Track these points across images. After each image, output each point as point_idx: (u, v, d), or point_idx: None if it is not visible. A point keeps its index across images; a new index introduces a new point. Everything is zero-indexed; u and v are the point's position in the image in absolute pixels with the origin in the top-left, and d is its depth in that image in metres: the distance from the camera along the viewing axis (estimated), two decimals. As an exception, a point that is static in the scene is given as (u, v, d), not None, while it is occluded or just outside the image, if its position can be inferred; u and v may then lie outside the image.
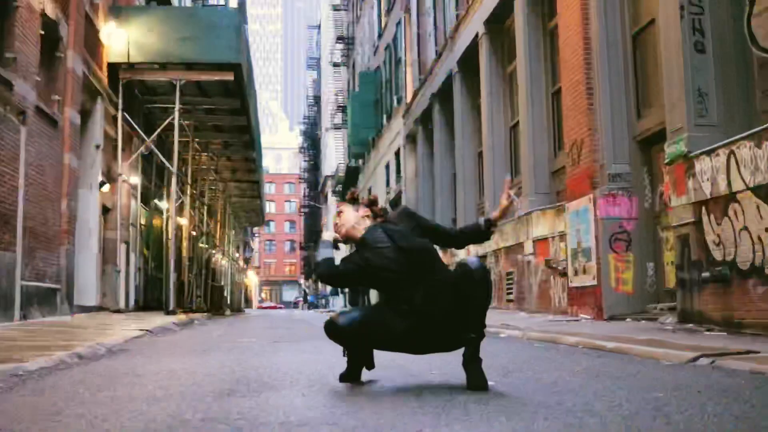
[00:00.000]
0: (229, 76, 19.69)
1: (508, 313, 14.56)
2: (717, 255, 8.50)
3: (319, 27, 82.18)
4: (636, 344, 6.20)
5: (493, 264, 17.15)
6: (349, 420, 3.05)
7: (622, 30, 11.89)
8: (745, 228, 7.99)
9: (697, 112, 9.22)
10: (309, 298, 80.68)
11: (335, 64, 54.64)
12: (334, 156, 60.14)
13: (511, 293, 15.94)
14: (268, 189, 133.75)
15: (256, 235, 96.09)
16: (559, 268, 12.98)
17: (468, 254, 21.31)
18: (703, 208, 8.76)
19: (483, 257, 17.92)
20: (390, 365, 5.15)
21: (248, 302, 79.03)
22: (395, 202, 32.40)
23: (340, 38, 50.95)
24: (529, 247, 14.69)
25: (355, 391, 4.10)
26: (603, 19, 11.85)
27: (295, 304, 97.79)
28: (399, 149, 30.77)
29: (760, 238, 7.76)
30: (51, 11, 14.37)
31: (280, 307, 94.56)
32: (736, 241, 8.15)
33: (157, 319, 14.74)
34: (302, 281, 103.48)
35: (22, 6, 12.88)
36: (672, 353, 5.45)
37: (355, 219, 4.44)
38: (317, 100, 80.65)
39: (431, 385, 4.31)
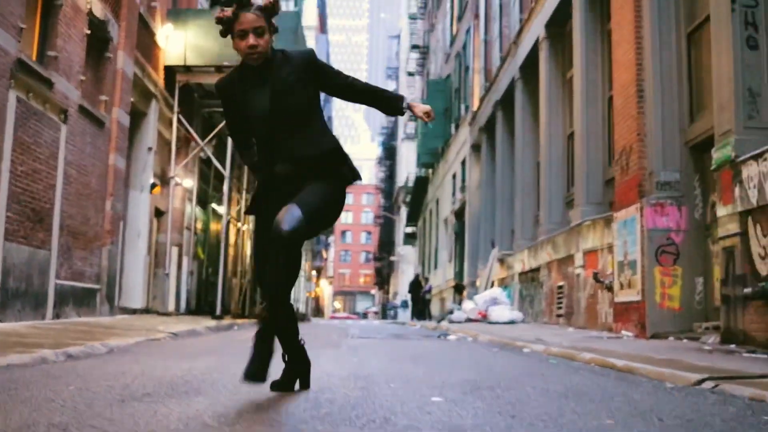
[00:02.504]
0: (286, 80, 19.46)
1: (554, 328, 13.88)
2: (763, 269, 7.77)
3: (399, 37, 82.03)
4: (650, 364, 5.57)
5: (546, 277, 16.45)
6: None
7: (677, 28, 11.15)
8: (792, 240, 7.26)
9: (747, 114, 8.49)
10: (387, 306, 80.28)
11: (410, 74, 54.28)
12: (405, 166, 59.74)
13: (561, 308, 15.22)
14: (346, 199, 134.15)
15: (330, 245, 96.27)
16: (606, 282, 12.26)
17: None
18: (750, 218, 8.03)
19: (536, 270, 17.26)
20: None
21: (320, 312, 79.10)
22: (460, 213, 31.82)
23: (415, 47, 50.59)
24: (579, 260, 13.99)
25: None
26: (656, 16, 11.14)
27: (365, 315, 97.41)
28: (465, 159, 30.19)
29: (807, 252, 7.02)
30: (99, 11, 14.31)
31: (353, 317, 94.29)
32: (782, 255, 7.42)
33: (196, 323, 14.52)
34: (374, 291, 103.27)
35: (66, 5, 12.83)
36: (679, 375, 4.83)
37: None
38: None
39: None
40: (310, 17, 61.45)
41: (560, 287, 15.37)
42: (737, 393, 4.08)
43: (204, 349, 8.15)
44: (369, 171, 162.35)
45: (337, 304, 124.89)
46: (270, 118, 3.78)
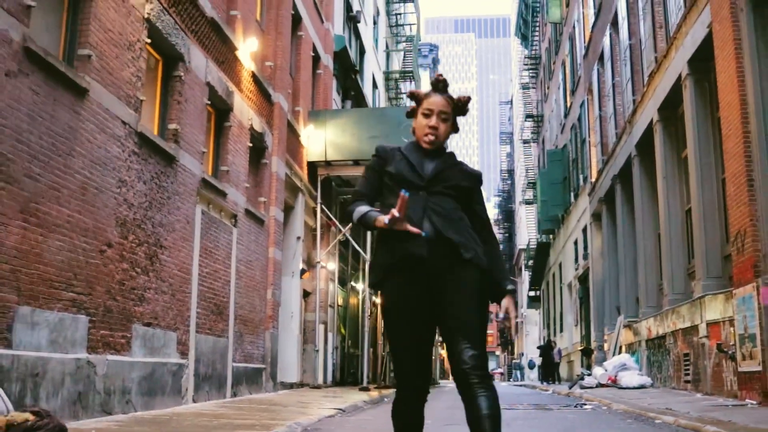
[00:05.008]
0: (417, 168, 21.24)
1: (682, 395, 14.90)
2: None
3: (510, 102, 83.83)
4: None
5: (672, 344, 17.44)
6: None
7: (781, 123, 12.32)
8: None
9: None
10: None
11: (525, 141, 55.78)
12: (525, 230, 60.88)
13: (688, 374, 16.20)
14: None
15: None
16: (729, 352, 13.29)
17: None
18: None
19: (662, 337, 18.25)
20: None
21: (445, 373, 79.95)
22: (583, 278, 32.74)
23: (529, 116, 52.08)
24: (702, 330, 15.01)
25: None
26: (761, 112, 12.35)
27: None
28: (586, 226, 31.28)
29: None
30: (258, 125, 16.46)
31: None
32: None
33: (350, 396, 16.17)
34: (498, 353, 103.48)
35: (234, 125, 14.98)
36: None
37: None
38: (510, 173, 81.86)
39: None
40: (425, 88, 63.92)
41: (686, 355, 16.36)
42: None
43: (382, 426, 9.70)
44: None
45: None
46: (431, 189, 3.77)
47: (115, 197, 10.00)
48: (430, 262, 3.66)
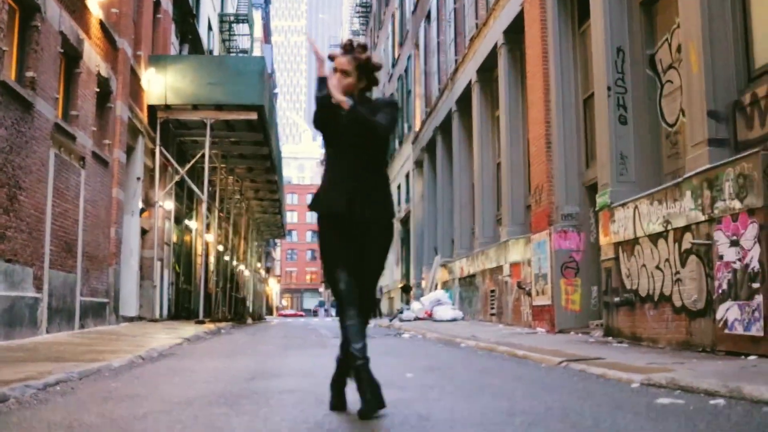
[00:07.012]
0: (253, 116, 22.40)
1: (487, 326, 17.15)
2: (627, 284, 11.04)
3: (339, 46, 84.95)
4: (538, 353, 8.77)
5: (481, 282, 19.73)
6: (315, 389, 5.66)
7: (575, 95, 14.47)
8: (644, 265, 10.54)
9: (618, 171, 11.76)
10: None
11: (353, 86, 57.28)
12: (352, 172, 62.71)
13: (493, 308, 18.52)
14: (291, 199, 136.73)
15: (277, 244, 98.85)
16: (526, 289, 15.54)
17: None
18: (620, 248, 11.30)
19: (473, 275, 20.53)
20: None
21: (270, 310, 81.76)
22: (405, 221, 35.02)
23: (358, 62, 53.53)
24: (506, 270, 17.26)
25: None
26: (560, 85, 14.44)
27: (315, 312, 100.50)
28: (408, 173, 33.42)
29: (652, 273, 10.30)
30: (104, 71, 17.14)
31: (301, 315, 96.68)
32: (638, 274, 10.69)
33: (189, 329, 17.42)
34: (322, 289, 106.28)
35: (83, 71, 15.66)
36: (550, 359, 8.02)
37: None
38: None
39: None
40: (256, 29, 63.93)
41: (492, 291, 18.66)
42: (576, 368, 7.27)
43: (228, 351, 11.15)
44: (311, 170, 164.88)
45: (285, 302, 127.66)
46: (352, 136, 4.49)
47: (-17, 143, 10.76)
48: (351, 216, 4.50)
